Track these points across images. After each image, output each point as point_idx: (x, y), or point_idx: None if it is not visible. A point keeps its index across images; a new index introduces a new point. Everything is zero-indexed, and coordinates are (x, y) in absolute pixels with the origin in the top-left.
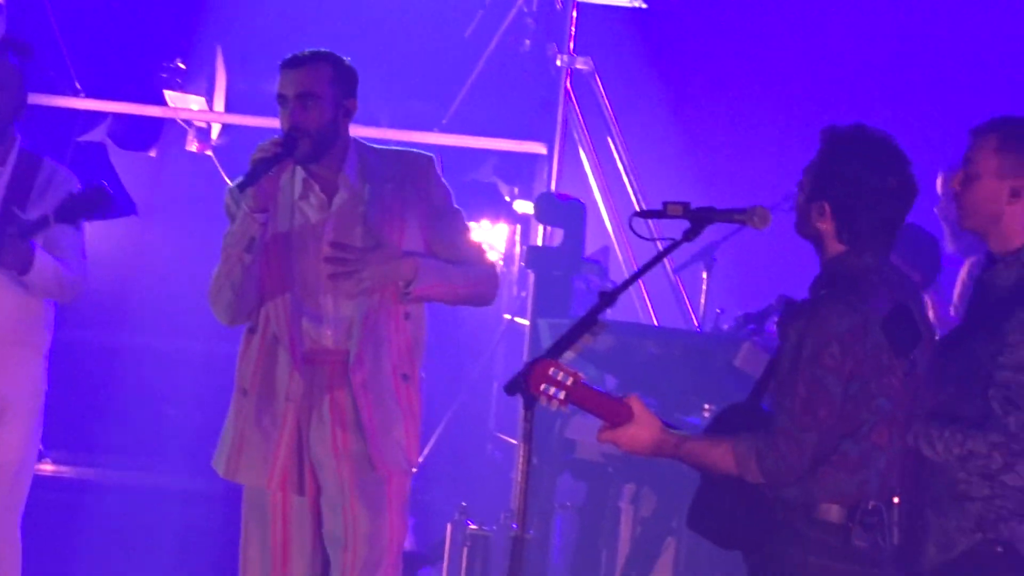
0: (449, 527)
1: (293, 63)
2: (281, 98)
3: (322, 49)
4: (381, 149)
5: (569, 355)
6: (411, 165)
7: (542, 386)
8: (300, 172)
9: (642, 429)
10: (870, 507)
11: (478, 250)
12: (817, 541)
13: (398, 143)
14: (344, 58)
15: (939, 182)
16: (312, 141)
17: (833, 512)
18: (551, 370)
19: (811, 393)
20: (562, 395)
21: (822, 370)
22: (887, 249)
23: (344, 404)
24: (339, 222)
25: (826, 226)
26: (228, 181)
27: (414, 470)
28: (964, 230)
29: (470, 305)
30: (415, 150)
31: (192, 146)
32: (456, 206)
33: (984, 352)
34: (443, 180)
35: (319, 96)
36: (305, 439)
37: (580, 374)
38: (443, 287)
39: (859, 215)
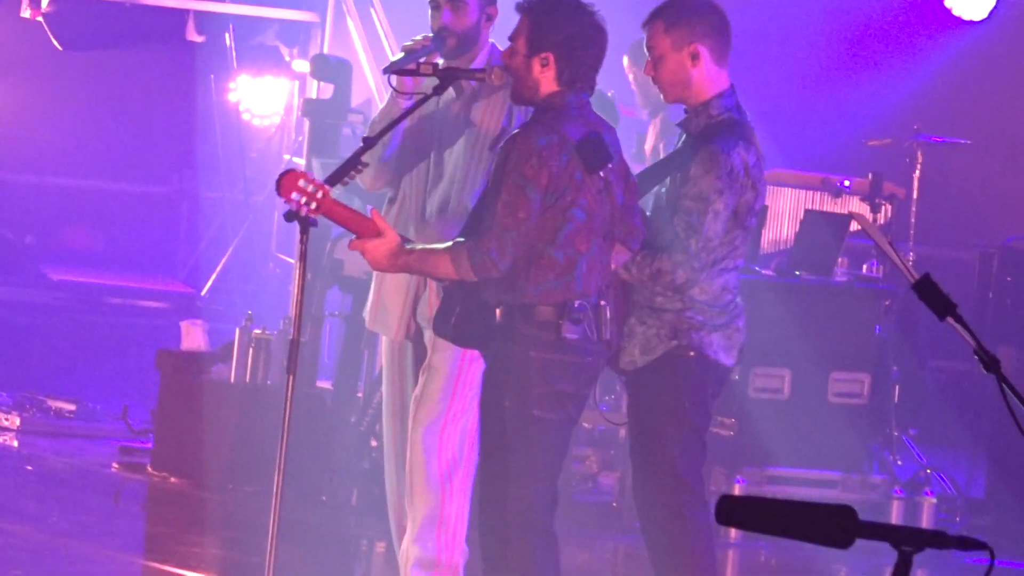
0: (237, 331)
1: None
2: (434, 3)
3: None
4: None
5: (338, 188)
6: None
7: (293, 194)
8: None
9: (383, 242)
10: (576, 305)
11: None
12: (534, 337)
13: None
14: None
15: (624, 60)
16: (458, 40)
17: (545, 312)
18: (300, 181)
19: (512, 197)
20: (313, 205)
21: (523, 179)
22: (591, 88)
23: None
24: (458, 114)
25: (548, 73)
26: (56, 44)
27: None
28: (672, 103)
29: None
30: None
31: (26, 12)
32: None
33: (676, 186)
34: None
35: (467, 1)
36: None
37: (328, 188)
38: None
39: (577, 56)
